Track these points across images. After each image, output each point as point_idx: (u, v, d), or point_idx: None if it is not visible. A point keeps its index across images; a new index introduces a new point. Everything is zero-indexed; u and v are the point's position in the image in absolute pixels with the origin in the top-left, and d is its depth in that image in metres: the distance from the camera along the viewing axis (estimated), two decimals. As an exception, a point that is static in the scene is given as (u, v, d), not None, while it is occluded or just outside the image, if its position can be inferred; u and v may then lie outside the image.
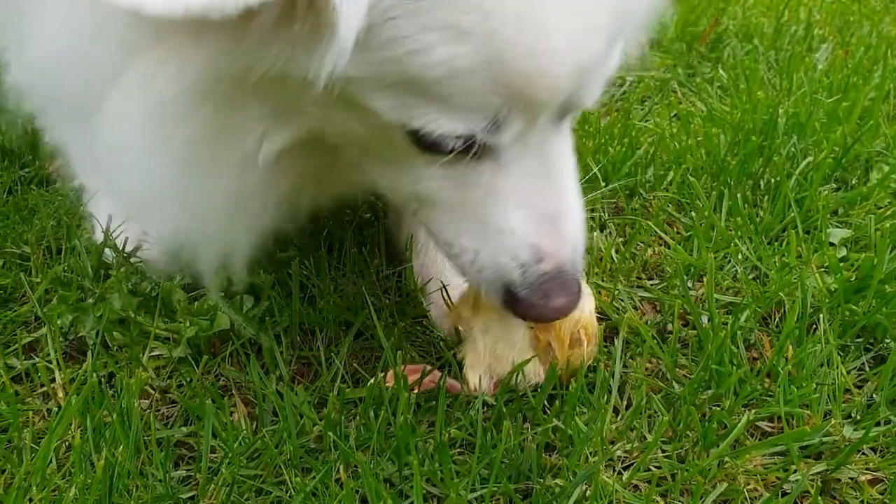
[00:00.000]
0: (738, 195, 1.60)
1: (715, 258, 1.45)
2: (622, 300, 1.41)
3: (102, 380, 1.23)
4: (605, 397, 1.18)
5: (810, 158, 1.71)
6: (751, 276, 1.46)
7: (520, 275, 0.97)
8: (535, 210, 0.96)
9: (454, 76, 0.81)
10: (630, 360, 1.28)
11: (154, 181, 0.99)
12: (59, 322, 1.31)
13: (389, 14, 0.78)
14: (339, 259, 1.45)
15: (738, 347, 1.27)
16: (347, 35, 0.76)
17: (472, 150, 0.89)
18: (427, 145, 0.89)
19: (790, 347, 1.25)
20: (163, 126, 0.91)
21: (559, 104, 0.90)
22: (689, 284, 1.41)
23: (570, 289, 0.98)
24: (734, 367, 1.21)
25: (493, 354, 1.17)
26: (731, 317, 1.31)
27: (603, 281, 1.44)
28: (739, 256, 1.49)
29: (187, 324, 1.29)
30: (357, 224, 1.54)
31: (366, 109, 0.88)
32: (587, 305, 1.17)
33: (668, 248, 1.53)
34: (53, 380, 1.24)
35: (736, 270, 1.47)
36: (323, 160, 1.05)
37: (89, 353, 1.24)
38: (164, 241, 1.16)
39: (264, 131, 0.94)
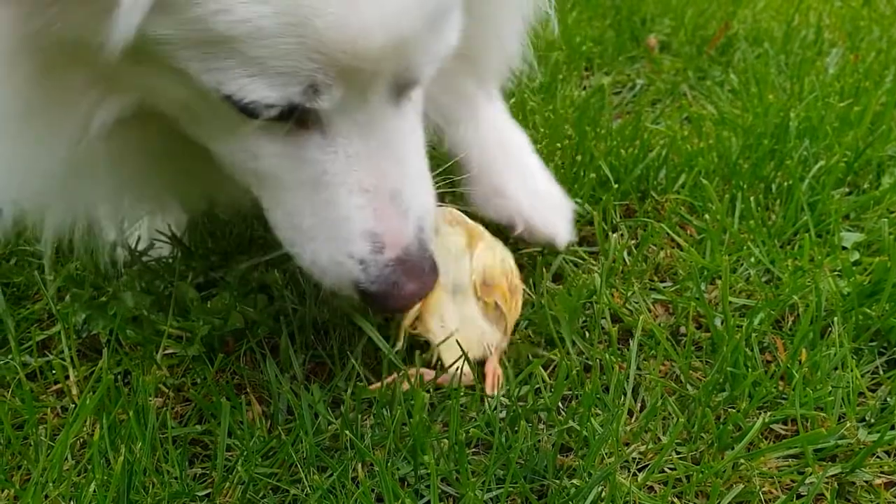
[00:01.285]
0: (752, 198, 1.60)
1: (727, 261, 1.45)
2: (635, 302, 1.41)
3: (117, 377, 1.23)
4: (620, 399, 1.18)
5: (822, 162, 1.71)
6: (763, 279, 1.46)
7: (361, 271, 0.94)
8: (371, 192, 0.92)
9: (261, 37, 0.80)
10: (644, 363, 1.28)
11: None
12: (72, 320, 1.31)
13: None
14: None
15: (752, 350, 1.27)
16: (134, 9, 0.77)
17: (292, 115, 0.87)
18: (244, 110, 0.86)
19: (804, 351, 1.25)
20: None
21: (386, 79, 0.88)
22: (702, 287, 1.41)
23: (421, 271, 0.95)
24: (749, 370, 1.21)
25: (462, 339, 1.19)
26: (745, 319, 1.31)
27: (615, 283, 1.44)
28: (752, 259, 1.49)
29: (200, 322, 1.29)
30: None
31: (180, 73, 0.85)
32: (504, 255, 1.23)
33: (681, 250, 1.53)
34: (67, 377, 1.24)
35: (749, 273, 1.47)
36: (172, 141, 1.02)
37: (104, 350, 1.24)
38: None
39: (96, 99, 0.92)
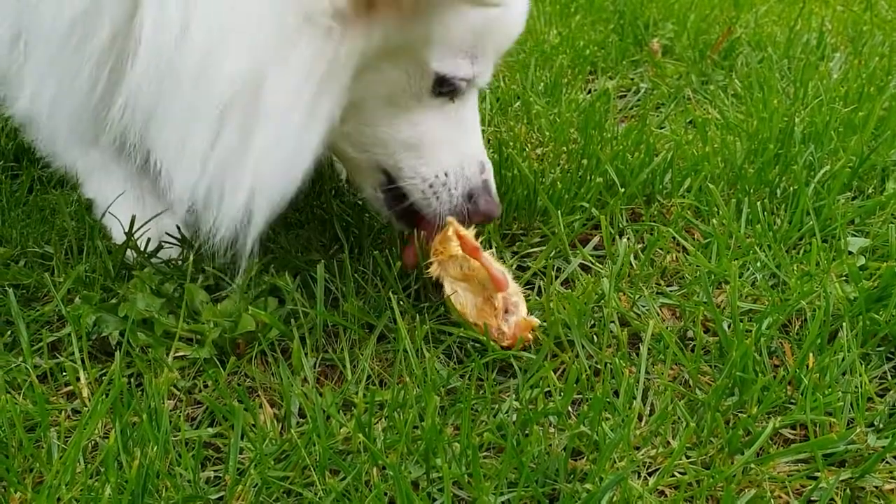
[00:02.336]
0: (758, 203, 1.61)
1: (735, 266, 1.45)
2: (643, 306, 1.41)
3: (129, 379, 1.23)
4: (631, 403, 1.19)
5: (827, 168, 1.72)
6: (770, 283, 1.46)
7: (477, 181, 1.35)
8: (478, 133, 1.39)
9: (478, 35, 1.25)
10: (652, 367, 1.28)
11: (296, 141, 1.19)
12: (83, 322, 1.31)
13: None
14: (361, 262, 1.46)
15: (760, 354, 1.27)
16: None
17: (459, 91, 1.30)
18: (442, 84, 1.27)
19: (811, 356, 1.25)
20: (312, 93, 1.15)
21: None
22: (709, 291, 1.41)
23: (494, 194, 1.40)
24: (758, 375, 1.21)
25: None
26: (753, 324, 1.32)
27: (623, 287, 1.45)
28: (758, 264, 1.50)
29: (212, 325, 1.30)
30: (377, 228, 1.55)
31: (419, 62, 1.24)
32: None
33: (688, 254, 1.54)
34: (78, 379, 1.24)
35: (755, 277, 1.48)
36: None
37: (116, 353, 1.24)
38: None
39: (339, 97, 1.22)
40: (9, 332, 1.31)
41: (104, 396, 1.16)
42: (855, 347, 1.26)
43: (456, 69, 1.26)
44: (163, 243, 1.49)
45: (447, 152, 1.34)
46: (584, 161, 1.77)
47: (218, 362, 1.26)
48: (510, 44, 1.35)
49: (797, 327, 1.37)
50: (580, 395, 1.22)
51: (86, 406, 1.20)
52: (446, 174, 1.34)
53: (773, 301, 1.40)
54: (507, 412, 1.16)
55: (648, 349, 1.29)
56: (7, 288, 1.36)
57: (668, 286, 1.49)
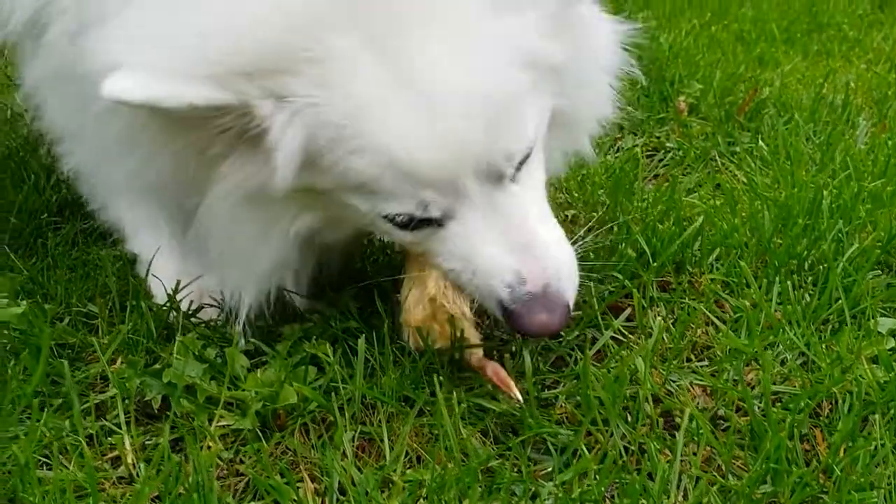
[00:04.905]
0: (789, 282, 1.63)
1: (770, 355, 1.47)
2: (673, 381, 1.43)
3: (172, 446, 1.26)
4: (666, 492, 1.20)
5: (856, 245, 1.74)
6: (798, 362, 1.48)
7: (508, 293, 1.22)
8: (506, 245, 1.22)
9: (375, 179, 1.17)
10: (684, 447, 1.30)
11: (231, 248, 1.36)
12: (129, 386, 1.34)
13: (322, 149, 1.16)
14: (398, 332, 1.49)
15: (792, 439, 1.29)
16: (286, 168, 1.16)
17: (428, 222, 1.22)
18: (396, 224, 1.22)
19: (843, 447, 1.27)
20: (231, 213, 1.28)
21: (473, 178, 1.19)
22: (740, 367, 1.43)
23: (552, 307, 1.21)
24: (791, 465, 1.23)
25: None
26: (788, 413, 1.33)
27: (655, 362, 1.47)
28: (787, 342, 1.52)
29: (254, 394, 1.32)
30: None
31: (350, 206, 1.23)
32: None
33: (717, 330, 1.56)
34: (124, 444, 1.27)
35: (785, 357, 1.49)
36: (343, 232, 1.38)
37: (165, 426, 1.27)
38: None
39: (292, 218, 1.29)
40: (59, 396, 1.34)
41: (155, 472, 1.18)
42: (888, 439, 1.27)
43: (386, 210, 1.20)
44: (204, 304, 1.53)
45: (464, 264, 1.26)
46: (615, 228, 1.79)
47: (260, 433, 1.29)
48: (444, 177, 1.17)
49: (827, 411, 1.39)
50: (614, 476, 1.24)
51: (131, 473, 1.22)
52: (473, 273, 1.26)
53: (803, 383, 1.41)
54: (545, 498, 1.18)
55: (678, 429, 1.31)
56: (56, 349, 1.39)
57: (698, 361, 1.51)
